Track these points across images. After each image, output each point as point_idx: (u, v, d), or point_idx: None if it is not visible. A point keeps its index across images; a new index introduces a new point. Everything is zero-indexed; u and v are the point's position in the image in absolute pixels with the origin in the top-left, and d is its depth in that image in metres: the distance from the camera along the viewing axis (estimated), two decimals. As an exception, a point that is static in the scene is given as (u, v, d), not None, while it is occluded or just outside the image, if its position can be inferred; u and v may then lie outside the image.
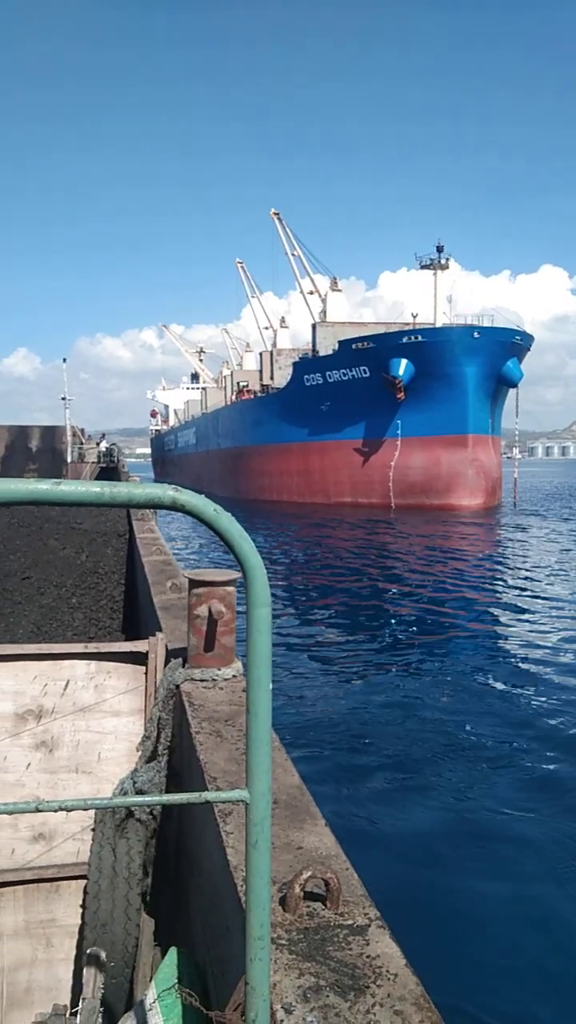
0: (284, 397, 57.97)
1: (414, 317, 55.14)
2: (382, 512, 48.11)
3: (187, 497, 1.50)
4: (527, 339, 51.67)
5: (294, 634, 16.08)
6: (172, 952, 2.71)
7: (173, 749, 3.97)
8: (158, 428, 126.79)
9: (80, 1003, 3.34)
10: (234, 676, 4.13)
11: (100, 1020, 3.26)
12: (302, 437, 55.62)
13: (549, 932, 6.00)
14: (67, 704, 4.65)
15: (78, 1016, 3.28)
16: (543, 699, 11.52)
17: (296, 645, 15.10)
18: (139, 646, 4.78)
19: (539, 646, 14.85)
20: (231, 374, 79.18)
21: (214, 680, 4.08)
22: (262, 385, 66.80)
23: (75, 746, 4.64)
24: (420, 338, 48.04)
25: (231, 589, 4.16)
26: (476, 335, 47.85)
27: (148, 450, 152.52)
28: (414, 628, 16.73)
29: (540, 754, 9.41)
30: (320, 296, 63.02)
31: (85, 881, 3.97)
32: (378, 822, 7.68)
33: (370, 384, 49.45)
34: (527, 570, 25.05)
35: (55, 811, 1.59)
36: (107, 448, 48.12)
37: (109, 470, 42.13)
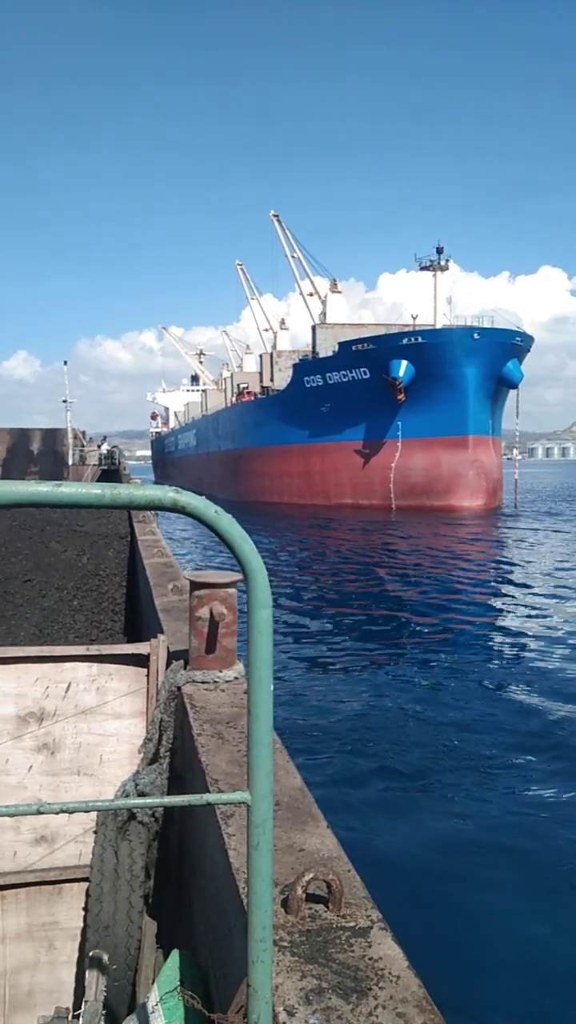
0: (284, 399, 58.00)
1: (414, 318, 55.17)
2: (383, 513, 48.11)
3: (188, 499, 1.50)
4: (527, 340, 51.68)
5: (295, 636, 16.08)
6: (174, 954, 2.71)
7: (175, 751, 3.97)
8: (158, 430, 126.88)
9: (82, 1006, 3.33)
10: (236, 678, 4.13)
11: (103, 1023, 3.26)
12: (302, 439, 55.63)
13: (553, 935, 5.99)
14: (69, 706, 4.65)
15: (80, 1019, 3.27)
16: (546, 702, 11.50)
17: (297, 647, 15.09)
18: (141, 648, 4.78)
19: (542, 648, 14.84)
20: (231, 376, 79.23)
21: (215, 682, 4.08)
22: (262, 387, 66.84)
23: (77, 748, 4.64)
24: (420, 339, 48.06)
25: (232, 591, 4.16)
26: (476, 336, 47.87)
27: (148, 452, 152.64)
28: (415, 630, 16.72)
29: (544, 757, 9.40)
30: (320, 298, 63.06)
31: (87, 883, 3.97)
32: (380, 824, 7.68)
33: (370, 385, 49.46)
34: (529, 571, 25.05)
35: (57, 813, 1.60)
36: (108, 451, 48.16)
37: (110, 472, 42.16)
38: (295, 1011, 1.71)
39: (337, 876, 2.11)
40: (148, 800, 1.82)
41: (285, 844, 2.45)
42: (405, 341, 48.40)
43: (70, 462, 43.45)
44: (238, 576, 4.13)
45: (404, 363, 47.78)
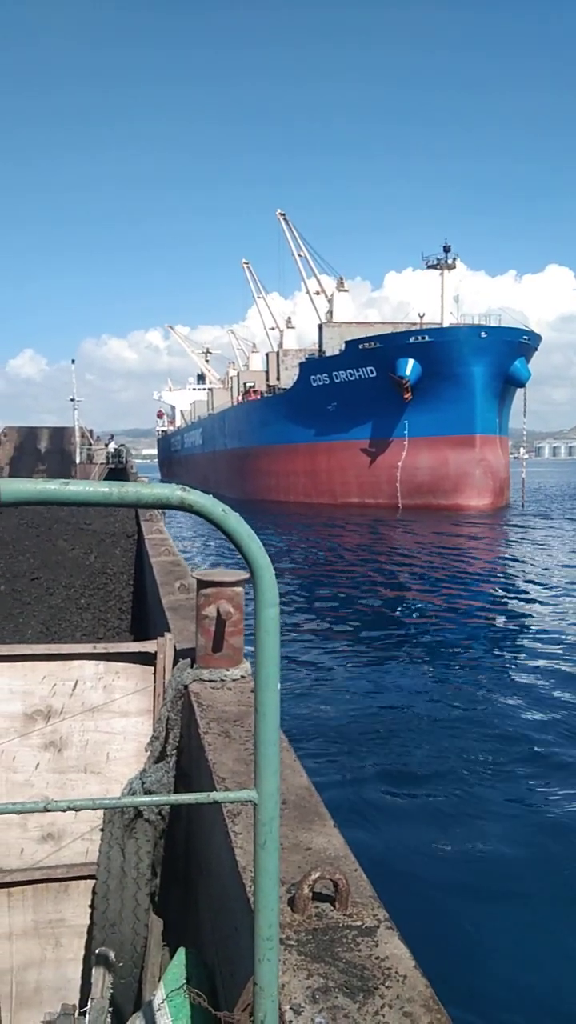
0: (291, 397, 57.98)
1: (421, 317, 55.05)
2: (389, 513, 48.04)
3: (195, 497, 1.50)
4: (535, 339, 51.52)
5: (303, 634, 16.07)
6: (181, 952, 2.72)
7: (182, 749, 3.97)
8: (164, 429, 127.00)
9: (89, 1003, 3.35)
10: (242, 676, 4.13)
11: (109, 1020, 3.27)
12: (309, 437, 55.61)
13: (560, 936, 5.98)
14: (76, 704, 4.66)
15: (87, 1016, 3.28)
16: (557, 700, 11.47)
17: (305, 645, 15.09)
18: (148, 646, 4.79)
19: (551, 646, 14.80)
20: (237, 375, 79.25)
21: (222, 680, 4.08)
22: (268, 386, 66.84)
23: (84, 746, 4.65)
24: (427, 338, 47.95)
25: (239, 589, 4.16)
26: (483, 335, 47.74)
27: (154, 451, 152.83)
28: (423, 629, 16.70)
29: (556, 756, 9.38)
30: (326, 296, 62.99)
31: (94, 881, 3.98)
32: (388, 823, 7.67)
33: (377, 384, 49.40)
34: (538, 570, 24.98)
35: (63, 811, 1.60)
36: (116, 449, 48.23)
37: (118, 471, 42.22)
38: (301, 1010, 1.71)
39: (344, 875, 2.10)
40: (155, 798, 1.82)
41: (292, 843, 2.45)
42: (412, 340, 48.31)
43: (78, 460, 43.55)
44: (245, 575, 4.14)
45: (411, 362, 47.68)
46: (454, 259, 54.46)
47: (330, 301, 62.33)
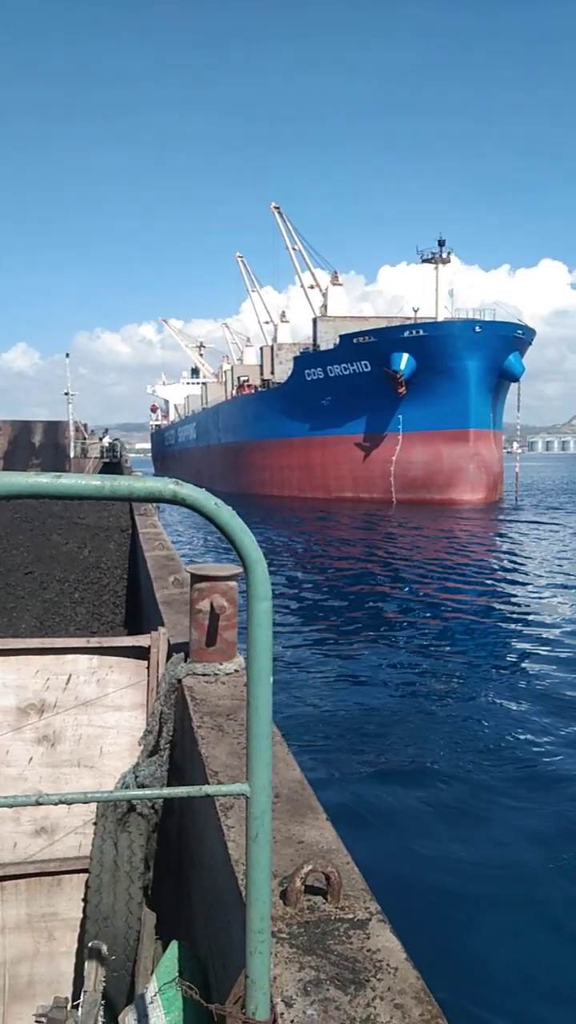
0: (285, 392, 57.91)
1: (415, 311, 55.00)
2: (383, 507, 48.09)
3: (188, 491, 1.50)
4: (529, 333, 51.54)
5: (296, 628, 16.09)
6: (173, 945, 2.72)
7: (175, 743, 3.98)
8: (158, 423, 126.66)
9: (81, 996, 3.35)
10: (236, 671, 4.13)
11: (101, 1013, 3.27)
12: (303, 432, 55.57)
13: (551, 927, 6.01)
14: (69, 698, 4.66)
15: (79, 1009, 3.29)
16: (547, 693, 11.52)
17: (298, 639, 15.11)
18: (141, 641, 4.79)
19: (542, 640, 14.86)
20: (231, 369, 79.06)
21: (216, 675, 4.08)
22: (263, 380, 66.71)
23: (77, 740, 4.65)
24: (421, 332, 47.93)
25: (233, 584, 4.16)
26: (478, 329, 47.74)
27: (147, 445, 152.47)
28: (416, 623, 16.74)
29: (544, 750, 9.42)
30: (321, 290, 62.86)
31: (87, 875, 3.98)
32: (380, 816, 7.69)
33: (371, 378, 49.38)
34: (530, 565, 25.06)
35: (55, 804, 1.60)
36: (110, 443, 48.14)
37: (112, 465, 42.16)
38: (293, 1002, 1.72)
39: (336, 868, 2.11)
40: (147, 792, 1.81)
41: (284, 836, 2.45)
42: (406, 334, 48.27)
43: (72, 455, 43.46)
44: (239, 569, 4.13)
45: (405, 356, 47.67)
46: (448, 253, 54.42)
47: (324, 295, 62.20)
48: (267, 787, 1.63)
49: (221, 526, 1.56)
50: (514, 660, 13.57)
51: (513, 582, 22.07)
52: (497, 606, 18.76)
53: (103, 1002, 3.34)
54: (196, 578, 4.17)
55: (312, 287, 63.87)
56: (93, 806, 4.18)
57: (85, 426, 52.07)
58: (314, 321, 60.13)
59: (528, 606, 18.48)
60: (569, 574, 23.05)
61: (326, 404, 52.92)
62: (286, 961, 1.85)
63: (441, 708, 10.92)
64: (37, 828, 4.56)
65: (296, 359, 57.42)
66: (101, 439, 49.75)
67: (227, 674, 4.10)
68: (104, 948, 3.52)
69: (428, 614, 17.62)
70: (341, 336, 52.57)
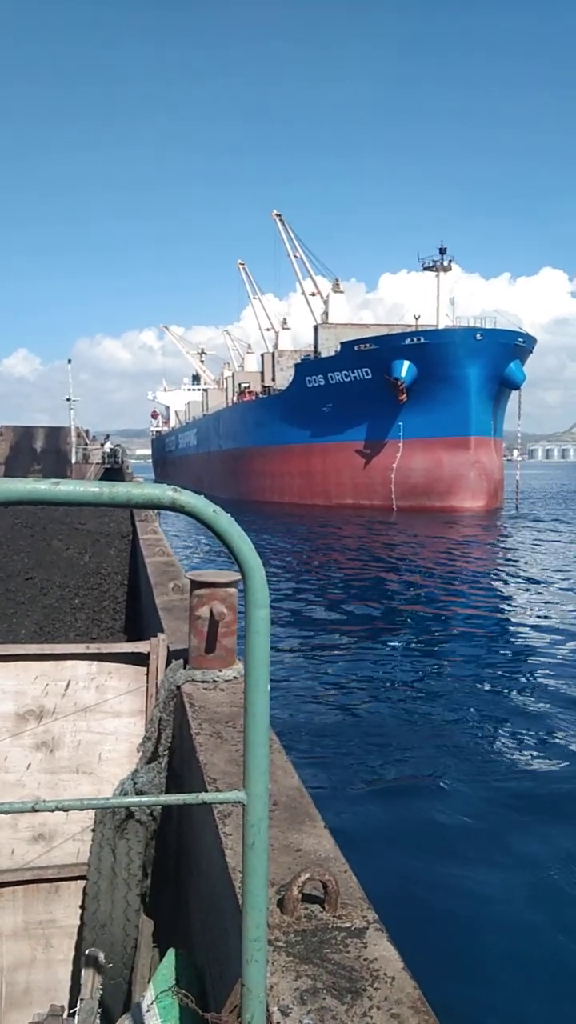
0: (286, 398, 57.97)
1: (416, 319, 55.11)
2: (383, 514, 48.07)
3: (187, 498, 1.50)
4: (530, 341, 51.62)
5: (295, 636, 16.07)
6: (170, 954, 2.71)
7: (173, 750, 3.97)
8: (159, 429, 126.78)
9: (78, 1004, 3.34)
10: (235, 677, 4.13)
11: (98, 1021, 3.26)
12: (304, 439, 55.60)
13: (549, 938, 5.99)
14: (68, 704, 4.65)
15: (76, 1017, 3.28)
16: (549, 703, 11.49)
17: (297, 647, 15.09)
18: (141, 647, 4.78)
19: (542, 649, 14.83)
20: (232, 375, 79.18)
21: (215, 681, 4.08)
22: (263, 386, 66.79)
23: (76, 746, 4.64)
24: (422, 340, 48.01)
25: (233, 590, 4.16)
26: (479, 337, 47.82)
27: (148, 451, 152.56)
28: (416, 631, 16.72)
29: (545, 762, 9.39)
30: (322, 297, 63.00)
31: (84, 882, 3.97)
32: (378, 825, 7.67)
33: (372, 386, 49.43)
34: (531, 572, 25.03)
35: (52, 811, 1.60)
36: (112, 449, 48.19)
37: (113, 471, 42.17)
38: (289, 1011, 1.71)
39: (333, 876, 2.10)
40: (145, 799, 1.81)
41: (282, 844, 2.45)
42: (407, 341, 48.35)
43: (73, 460, 43.49)
44: (238, 576, 4.13)
45: (406, 363, 47.73)
46: (450, 261, 54.54)
47: (326, 302, 62.33)
48: (264, 795, 1.63)
49: (219, 533, 1.56)
50: (516, 669, 13.55)
51: (513, 589, 22.05)
52: (498, 615, 18.74)
53: (100, 1010, 3.33)
54: (196, 584, 4.17)
55: (313, 294, 64.03)
56: (91, 813, 4.17)
57: (86, 432, 52.14)
58: (315, 328, 60.24)
59: (529, 614, 18.46)
60: (570, 581, 23.02)
61: (327, 411, 52.97)
62: (283, 970, 1.84)
63: (442, 716, 10.90)
64: (35, 834, 4.55)
65: (297, 366, 57.49)
66: (103, 445, 49.77)
67: (226, 681, 4.10)
68: (101, 956, 3.51)
69: (429, 622, 17.60)
70: (342, 343, 52.65)
